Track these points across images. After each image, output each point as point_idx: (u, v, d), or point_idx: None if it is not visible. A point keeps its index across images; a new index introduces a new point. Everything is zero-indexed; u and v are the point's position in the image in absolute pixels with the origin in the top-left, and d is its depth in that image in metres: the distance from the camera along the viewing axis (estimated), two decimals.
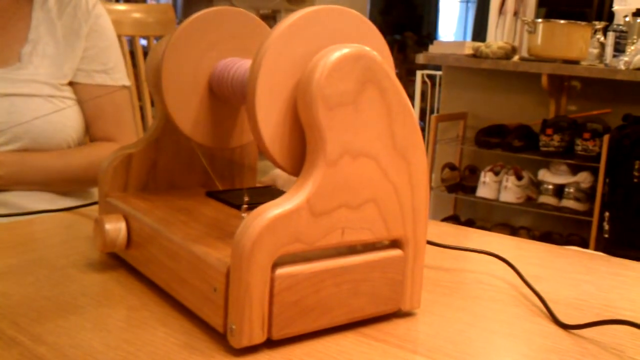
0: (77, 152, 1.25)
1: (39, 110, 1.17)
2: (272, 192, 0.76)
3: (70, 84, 1.25)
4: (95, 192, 1.30)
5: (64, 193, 1.23)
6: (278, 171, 0.95)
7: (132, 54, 1.65)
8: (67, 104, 1.22)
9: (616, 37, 2.81)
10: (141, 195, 0.74)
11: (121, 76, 1.32)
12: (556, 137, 2.89)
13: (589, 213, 2.86)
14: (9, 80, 1.17)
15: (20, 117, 1.15)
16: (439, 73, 3.87)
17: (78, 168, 1.22)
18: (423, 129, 4.00)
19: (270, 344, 0.55)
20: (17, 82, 1.18)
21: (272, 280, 0.53)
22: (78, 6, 1.27)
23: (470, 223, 3.33)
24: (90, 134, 1.30)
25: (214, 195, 0.75)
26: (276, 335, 0.54)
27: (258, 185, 0.83)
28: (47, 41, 1.23)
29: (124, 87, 1.33)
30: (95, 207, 0.92)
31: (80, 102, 1.26)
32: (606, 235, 2.76)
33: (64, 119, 1.21)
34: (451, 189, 3.30)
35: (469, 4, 8.15)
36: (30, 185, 1.17)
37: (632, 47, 2.78)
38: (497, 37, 3.43)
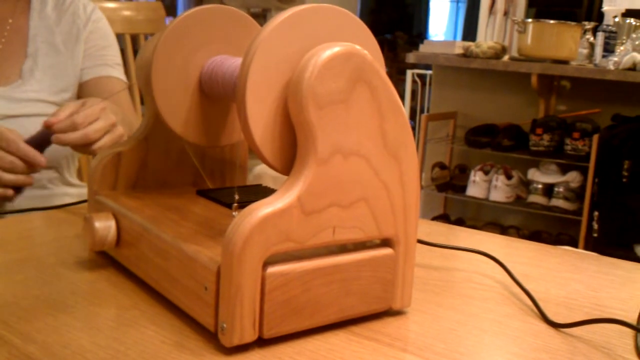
0: None
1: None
2: (262, 191, 0.76)
3: (78, 96, 1.24)
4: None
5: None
6: (261, 168, 0.95)
7: (123, 52, 1.65)
8: None
9: (606, 38, 2.82)
10: (131, 193, 0.74)
11: (122, 73, 1.32)
12: (546, 137, 2.90)
13: (579, 212, 2.87)
14: (13, 100, 1.15)
15: None
16: (429, 72, 3.87)
17: None
18: (413, 128, 4.00)
19: (261, 342, 0.55)
20: (21, 102, 1.15)
21: (263, 279, 0.53)
22: (76, 13, 1.25)
23: (460, 222, 3.34)
24: None
25: (204, 193, 0.74)
26: (267, 334, 0.54)
27: (248, 183, 0.83)
28: (47, 51, 1.21)
29: (125, 82, 1.32)
30: (85, 205, 0.91)
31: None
32: (595, 235, 2.78)
33: None
34: (441, 188, 3.31)
35: (460, 4, 8.17)
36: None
37: (622, 48, 2.80)
38: (487, 36, 3.44)
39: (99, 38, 1.27)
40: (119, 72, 1.30)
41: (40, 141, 0.95)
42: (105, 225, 0.68)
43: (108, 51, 1.29)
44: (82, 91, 1.25)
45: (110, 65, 1.28)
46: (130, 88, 1.65)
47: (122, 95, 1.29)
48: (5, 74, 1.18)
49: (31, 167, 0.96)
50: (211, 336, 0.56)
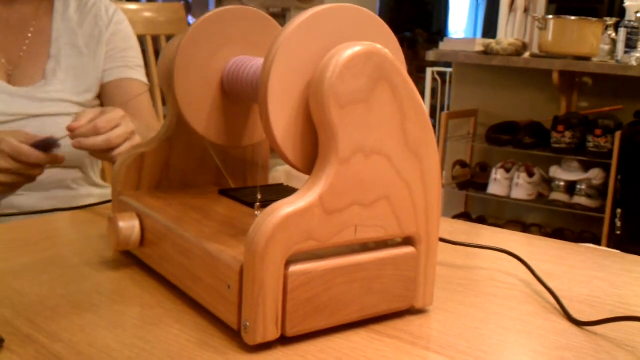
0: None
1: None
2: (284, 190, 0.76)
3: (98, 95, 1.25)
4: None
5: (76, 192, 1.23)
6: (283, 169, 0.95)
7: (144, 53, 1.66)
8: None
9: (627, 33, 2.79)
10: (154, 193, 0.75)
11: (143, 75, 1.33)
12: (567, 134, 2.88)
13: (601, 210, 2.85)
14: (37, 100, 1.17)
15: None
16: (449, 70, 3.86)
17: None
18: (434, 126, 3.97)
19: (284, 341, 0.55)
20: (44, 102, 1.17)
21: (286, 277, 0.53)
22: (99, 15, 1.27)
23: (481, 220, 3.32)
24: None
25: (226, 193, 0.75)
26: (290, 332, 0.55)
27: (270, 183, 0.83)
28: (69, 53, 1.23)
29: (146, 85, 1.33)
30: (109, 205, 0.92)
31: (112, 103, 1.25)
32: (618, 232, 2.75)
33: None
34: (462, 186, 3.30)
35: (479, 1, 8.12)
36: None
37: None
38: (508, 33, 3.41)
39: (120, 40, 1.29)
40: (140, 74, 1.31)
41: (47, 145, 0.96)
42: (129, 225, 0.69)
43: (129, 53, 1.30)
44: (104, 93, 1.27)
45: (132, 67, 1.29)
46: (151, 89, 1.66)
47: (143, 97, 1.30)
48: (29, 75, 1.20)
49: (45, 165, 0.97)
50: (234, 334, 0.56)
